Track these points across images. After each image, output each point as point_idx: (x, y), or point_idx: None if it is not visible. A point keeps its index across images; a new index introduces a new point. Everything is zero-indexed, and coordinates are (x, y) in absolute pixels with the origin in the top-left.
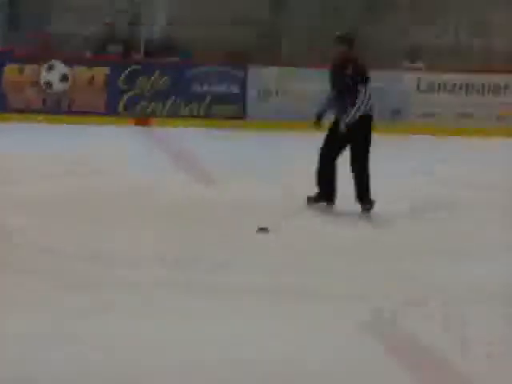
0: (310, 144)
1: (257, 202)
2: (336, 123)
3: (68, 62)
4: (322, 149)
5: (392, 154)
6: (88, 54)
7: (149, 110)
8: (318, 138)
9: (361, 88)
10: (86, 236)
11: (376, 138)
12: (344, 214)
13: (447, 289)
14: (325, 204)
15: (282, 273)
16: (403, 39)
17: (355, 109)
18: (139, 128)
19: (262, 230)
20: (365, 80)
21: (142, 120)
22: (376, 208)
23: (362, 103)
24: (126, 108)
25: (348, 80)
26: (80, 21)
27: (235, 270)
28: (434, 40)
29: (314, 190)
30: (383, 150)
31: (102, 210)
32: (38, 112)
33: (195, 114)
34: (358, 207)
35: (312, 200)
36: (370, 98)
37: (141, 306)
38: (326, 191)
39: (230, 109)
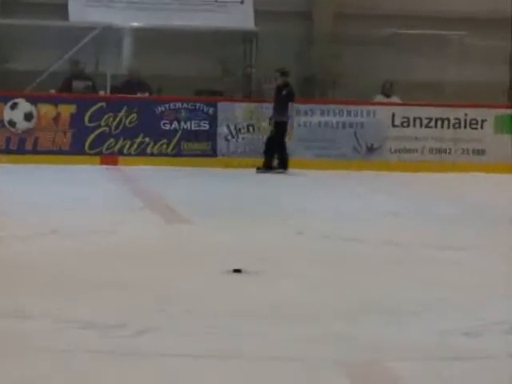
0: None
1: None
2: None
3: (32, 99)
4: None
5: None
6: (53, 92)
7: (116, 148)
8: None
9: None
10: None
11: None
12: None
13: (383, 349)
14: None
15: (215, 336)
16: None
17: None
18: (106, 167)
19: (237, 271)
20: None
21: (109, 159)
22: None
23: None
24: (92, 146)
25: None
26: (44, 57)
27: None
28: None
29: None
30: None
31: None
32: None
33: (164, 151)
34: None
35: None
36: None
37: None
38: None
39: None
